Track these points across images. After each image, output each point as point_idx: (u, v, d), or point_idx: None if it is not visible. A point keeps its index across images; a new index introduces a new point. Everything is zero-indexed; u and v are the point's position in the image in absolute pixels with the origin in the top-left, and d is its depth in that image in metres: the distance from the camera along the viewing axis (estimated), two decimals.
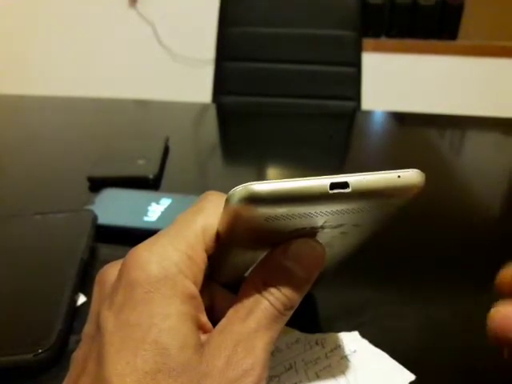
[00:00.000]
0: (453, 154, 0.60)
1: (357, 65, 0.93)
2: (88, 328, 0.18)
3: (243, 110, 0.84)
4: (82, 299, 0.30)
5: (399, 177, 0.16)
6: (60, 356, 0.26)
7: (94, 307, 0.19)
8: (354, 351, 0.26)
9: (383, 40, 1.60)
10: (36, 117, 0.71)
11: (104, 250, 0.36)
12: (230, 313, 0.18)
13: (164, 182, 0.49)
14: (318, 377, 0.24)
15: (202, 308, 0.18)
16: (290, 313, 0.18)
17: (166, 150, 0.56)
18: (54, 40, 1.72)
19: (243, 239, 0.18)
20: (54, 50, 1.73)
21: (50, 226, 0.36)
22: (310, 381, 0.24)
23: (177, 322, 0.16)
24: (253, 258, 0.19)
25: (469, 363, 0.26)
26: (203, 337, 0.18)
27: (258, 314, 0.17)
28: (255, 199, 0.15)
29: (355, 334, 0.27)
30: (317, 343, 0.26)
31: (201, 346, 0.17)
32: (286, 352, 0.26)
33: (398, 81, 1.63)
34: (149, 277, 0.17)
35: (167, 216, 0.39)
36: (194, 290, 0.18)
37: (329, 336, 0.27)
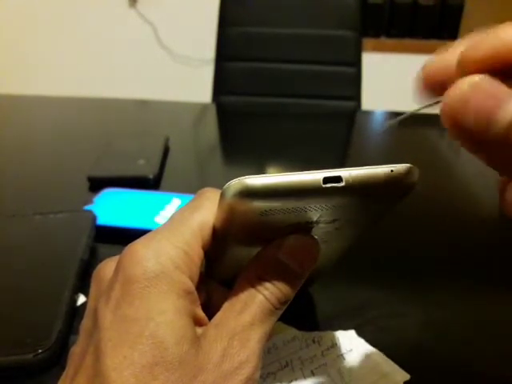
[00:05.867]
0: (452, 154, 0.60)
1: (357, 65, 0.93)
2: (85, 323, 0.19)
3: (243, 110, 0.84)
4: (81, 299, 0.30)
5: (392, 171, 0.16)
6: (60, 356, 0.26)
7: (91, 303, 0.19)
8: (350, 350, 0.26)
9: (383, 40, 1.60)
10: (36, 117, 0.71)
11: (104, 250, 0.36)
12: (226, 306, 0.18)
13: (164, 182, 0.49)
14: (313, 375, 0.24)
15: (198, 303, 0.19)
16: (285, 306, 0.19)
17: (166, 150, 0.56)
18: (53, 40, 1.72)
19: (239, 234, 0.19)
20: (54, 49, 1.73)
21: (49, 226, 0.36)
22: (305, 379, 0.24)
23: (173, 317, 0.17)
24: (248, 255, 0.19)
25: (465, 363, 0.26)
26: (199, 330, 0.18)
27: (253, 308, 0.18)
28: (249, 193, 0.15)
29: (351, 333, 0.27)
30: (313, 341, 0.26)
31: (197, 340, 0.17)
32: (282, 349, 0.26)
33: (398, 81, 1.62)
34: (145, 272, 0.17)
35: (167, 216, 0.39)
36: (190, 285, 0.18)
37: (325, 334, 0.27)
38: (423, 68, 0.16)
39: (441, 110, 0.15)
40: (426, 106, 0.16)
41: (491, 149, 0.14)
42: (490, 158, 0.15)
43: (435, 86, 0.16)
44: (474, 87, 0.14)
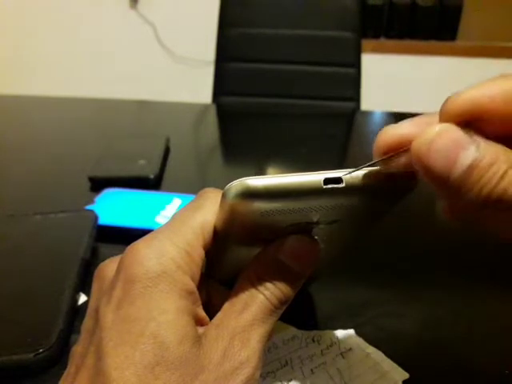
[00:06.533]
0: None
1: (356, 65, 0.93)
2: (87, 323, 0.19)
3: (243, 111, 0.84)
4: (82, 299, 0.31)
5: (392, 172, 0.16)
6: (61, 355, 0.26)
7: (93, 302, 0.19)
8: (350, 349, 0.26)
9: (382, 41, 1.60)
10: (36, 117, 0.71)
11: (105, 249, 0.36)
12: (226, 306, 0.18)
13: (164, 182, 0.49)
14: (312, 373, 0.25)
15: (200, 303, 0.19)
16: (285, 306, 0.19)
17: (167, 150, 0.56)
18: (54, 40, 1.72)
19: (239, 235, 0.19)
20: (55, 50, 1.73)
21: (51, 226, 0.36)
22: (305, 377, 0.24)
23: (175, 317, 0.17)
24: (249, 255, 0.19)
25: (464, 363, 0.26)
26: (200, 330, 0.18)
27: (254, 308, 0.18)
28: (251, 194, 0.16)
29: (351, 332, 0.27)
30: (313, 340, 0.27)
31: (198, 339, 0.17)
32: (282, 348, 0.26)
33: (397, 81, 1.63)
34: (147, 272, 0.17)
35: (168, 215, 0.39)
36: (192, 285, 0.18)
37: (325, 333, 0.27)
38: (379, 135, 0.18)
39: (411, 153, 0.15)
40: (391, 156, 0.17)
41: (452, 192, 0.15)
42: (451, 200, 0.16)
43: (390, 151, 0.17)
44: (438, 134, 0.15)
